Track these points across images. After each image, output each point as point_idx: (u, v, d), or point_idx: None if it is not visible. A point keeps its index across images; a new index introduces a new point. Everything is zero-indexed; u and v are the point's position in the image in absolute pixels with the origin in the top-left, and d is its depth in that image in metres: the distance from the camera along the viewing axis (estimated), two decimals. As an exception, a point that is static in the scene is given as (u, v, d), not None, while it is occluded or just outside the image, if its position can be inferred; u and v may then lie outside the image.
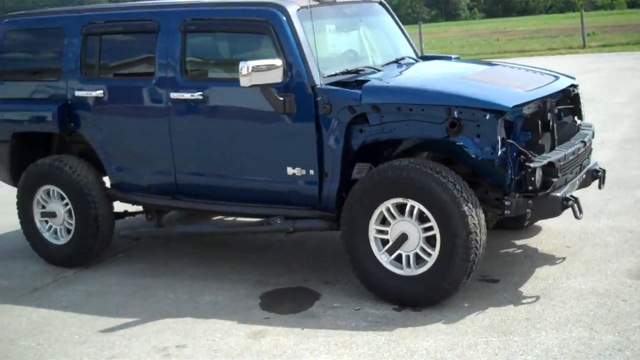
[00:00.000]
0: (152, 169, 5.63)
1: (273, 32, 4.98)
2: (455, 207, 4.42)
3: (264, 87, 4.85)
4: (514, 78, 5.18)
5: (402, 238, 4.64)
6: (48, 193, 5.97)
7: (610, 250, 5.42)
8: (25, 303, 5.33)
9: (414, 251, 4.64)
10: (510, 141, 4.51)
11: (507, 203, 4.59)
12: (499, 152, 4.47)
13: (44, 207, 6.02)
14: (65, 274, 5.88)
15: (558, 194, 4.67)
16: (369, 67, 5.31)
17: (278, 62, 4.80)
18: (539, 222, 6.12)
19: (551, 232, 5.95)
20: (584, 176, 5.20)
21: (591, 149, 5.43)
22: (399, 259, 4.70)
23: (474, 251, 4.47)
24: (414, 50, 6.21)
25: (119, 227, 6.12)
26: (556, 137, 5.07)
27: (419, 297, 4.65)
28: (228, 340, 4.43)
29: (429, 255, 4.59)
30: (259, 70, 4.69)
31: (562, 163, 4.69)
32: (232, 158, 5.30)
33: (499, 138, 4.47)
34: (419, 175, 4.51)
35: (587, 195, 6.02)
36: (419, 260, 4.65)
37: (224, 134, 5.27)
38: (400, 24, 6.26)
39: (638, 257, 5.21)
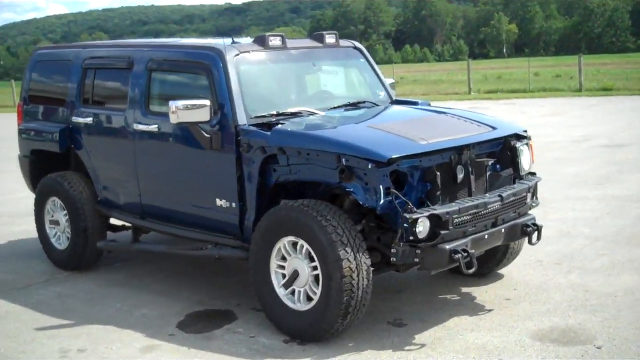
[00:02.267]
0: (125, 190, 6.26)
1: (209, 73, 5.43)
2: (331, 250, 4.59)
3: (192, 125, 5.30)
4: (429, 128, 5.19)
5: (295, 274, 4.88)
6: (54, 203, 6.78)
7: (542, 308, 5.28)
8: (6, 296, 6.11)
9: (304, 288, 4.86)
10: (394, 191, 4.62)
11: (393, 250, 4.70)
12: (381, 201, 4.59)
13: (52, 215, 6.84)
14: (59, 276, 6.64)
15: (446, 247, 4.70)
16: (307, 111, 5.57)
17: (206, 102, 5.22)
18: (503, 270, 6.10)
19: (506, 282, 5.88)
20: (504, 230, 5.11)
21: (525, 202, 5.32)
22: (294, 293, 4.95)
23: (348, 294, 4.60)
24: (388, 94, 6.37)
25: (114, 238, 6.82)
26: (472, 189, 5.06)
27: (304, 332, 4.86)
28: (121, 351, 4.88)
29: (315, 293, 4.80)
30: (186, 109, 5.15)
31: (452, 216, 4.70)
32: (177, 186, 5.80)
33: (381, 187, 4.59)
34: (303, 217, 4.74)
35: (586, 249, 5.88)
36: (308, 297, 4.87)
37: (171, 164, 5.78)
38: (375, 67, 6.45)
39: (562, 318, 5.05)
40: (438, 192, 4.83)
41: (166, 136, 5.72)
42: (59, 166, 6.97)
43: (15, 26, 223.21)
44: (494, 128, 5.39)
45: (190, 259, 6.61)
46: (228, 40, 5.78)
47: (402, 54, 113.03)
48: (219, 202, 5.44)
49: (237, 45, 5.58)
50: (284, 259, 4.95)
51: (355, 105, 5.95)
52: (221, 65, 5.37)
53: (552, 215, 8.00)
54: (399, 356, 4.61)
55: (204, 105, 5.19)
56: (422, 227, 4.60)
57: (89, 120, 6.40)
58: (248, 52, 5.57)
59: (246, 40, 5.90)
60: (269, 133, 5.07)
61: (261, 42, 5.68)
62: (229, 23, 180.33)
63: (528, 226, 5.25)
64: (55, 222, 6.80)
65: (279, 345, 4.86)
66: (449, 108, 6.04)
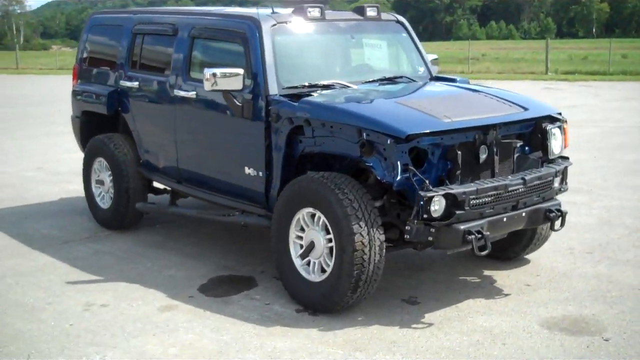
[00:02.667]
0: (165, 154, 6.47)
1: (245, 43, 5.53)
2: (346, 224, 4.67)
3: (225, 93, 5.43)
4: (457, 106, 5.16)
5: (311, 246, 4.98)
6: (101, 164, 7.06)
7: (561, 296, 5.24)
8: (47, 250, 6.43)
9: (319, 259, 4.96)
10: (412, 168, 4.64)
11: (407, 228, 4.73)
12: (398, 177, 4.63)
13: (98, 175, 7.13)
14: (100, 234, 6.94)
15: (461, 227, 4.70)
16: (340, 83, 5.62)
17: (240, 70, 5.33)
18: (530, 256, 6.06)
19: (531, 267, 5.85)
20: (525, 214, 5.07)
21: (551, 187, 5.24)
22: (310, 264, 5.05)
23: (359, 268, 4.68)
24: (428, 70, 6.36)
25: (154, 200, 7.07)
26: (495, 169, 5.04)
27: (316, 303, 4.97)
28: (141, 308, 5.10)
29: (328, 265, 4.89)
30: (219, 77, 5.28)
31: (469, 196, 4.69)
32: (211, 153, 5.97)
33: (399, 163, 4.62)
34: (322, 189, 4.82)
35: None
36: (323, 269, 4.97)
37: (206, 131, 5.94)
38: (418, 42, 6.42)
39: (578, 308, 5.00)
40: (458, 172, 4.83)
41: (203, 103, 5.87)
42: (108, 128, 7.22)
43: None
44: (525, 109, 5.32)
45: (224, 225, 6.78)
46: (266, 11, 5.87)
47: (487, 31, 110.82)
48: (247, 170, 5.58)
49: (275, 15, 5.66)
50: (302, 229, 5.05)
51: (391, 80, 5.95)
52: (257, 34, 5.47)
53: (598, 203, 7.85)
54: (404, 333, 4.66)
55: (237, 74, 5.30)
56: (438, 206, 4.62)
57: (136, 84, 6.62)
58: (285, 22, 5.64)
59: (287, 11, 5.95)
60: (296, 104, 5.16)
61: (300, 12, 5.74)
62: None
63: (552, 211, 5.19)
64: (101, 182, 7.08)
65: (290, 314, 4.98)
66: (487, 87, 5.97)
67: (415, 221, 4.65)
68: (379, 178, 4.74)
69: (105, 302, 5.22)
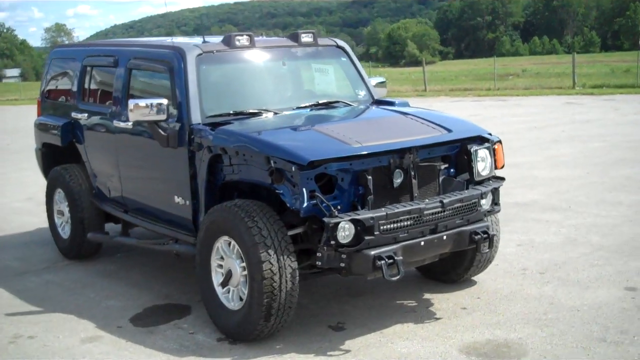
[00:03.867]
0: (112, 184, 6.50)
1: (171, 72, 5.55)
2: (254, 252, 4.60)
3: (150, 123, 5.44)
4: (374, 131, 5.08)
5: (229, 274, 4.93)
6: (60, 194, 7.14)
7: (492, 320, 5.07)
8: (1, 282, 6.51)
9: (237, 288, 4.91)
10: (319, 195, 4.57)
11: (318, 254, 4.66)
12: (305, 204, 4.55)
13: (59, 206, 7.21)
14: (60, 264, 7.00)
15: (371, 252, 4.60)
16: (267, 111, 5.57)
17: (163, 101, 5.35)
18: (479, 277, 5.91)
19: (474, 290, 5.70)
20: (447, 238, 4.93)
21: (476, 209, 5.09)
22: (229, 292, 4.99)
23: (269, 296, 4.60)
24: (370, 93, 6.29)
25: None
26: (414, 193, 4.93)
27: (234, 332, 4.89)
28: (64, 340, 5.08)
29: (244, 293, 4.83)
30: (143, 108, 5.30)
31: (378, 221, 4.59)
32: (147, 182, 6.00)
33: (304, 190, 4.55)
34: (233, 217, 4.77)
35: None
36: (240, 297, 4.89)
37: (142, 161, 5.96)
38: (359, 66, 6.36)
39: (506, 332, 4.83)
40: (370, 197, 4.74)
41: (137, 134, 5.89)
42: (68, 159, 7.29)
43: (152, 19, 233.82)
44: (449, 131, 5.21)
45: (166, 254, 6.75)
46: (199, 40, 5.89)
47: (530, 46, 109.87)
48: (176, 199, 5.57)
49: (203, 44, 5.67)
50: (222, 258, 5.00)
51: (325, 105, 5.89)
52: (182, 64, 5.48)
53: (571, 221, 7.63)
54: (313, 361, 4.57)
55: (161, 104, 5.32)
56: (345, 232, 4.53)
57: (85, 116, 6.69)
58: (212, 52, 5.64)
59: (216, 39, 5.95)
60: (214, 133, 5.14)
61: (227, 42, 5.74)
62: (355, 15, 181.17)
63: (477, 234, 5.05)
64: (61, 213, 7.15)
65: (209, 344, 4.92)
66: (420, 109, 5.87)
67: (325, 247, 4.57)
68: (288, 205, 4.67)
69: (34, 334, 5.23)
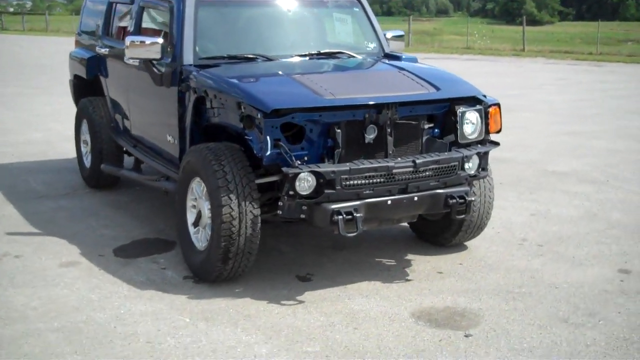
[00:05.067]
0: (124, 119, 6.65)
1: (172, 13, 5.57)
2: (216, 195, 4.61)
3: (145, 61, 5.50)
4: (354, 83, 4.94)
5: (199, 214, 4.99)
6: (85, 125, 7.36)
7: (461, 287, 4.92)
8: (17, 202, 6.80)
9: (204, 228, 4.95)
10: (281, 144, 4.51)
11: (280, 204, 4.63)
12: (268, 152, 4.51)
13: (84, 135, 7.45)
14: (80, 191, 7.26)
15: (330, 206, 4.53)
16: (263, 57, 5.51)
17: (158, 39, 5.39)
18: (471, 243, 5.76)
19: (460, 256, 5.53)
20: (419, 199, 4.79)
21: (455, 172, 4.90)
22: (199, 232, 5.05)
23: (227, 240, 4.60)
24: (381, 46, 6.12)
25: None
26: (389, 150, 4.80)
27: (197, 271, 4.95)
28: (45, 262, 5.27)
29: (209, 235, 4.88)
30: (137, 46, 5.36)
31: (340, 176, 4.49)
32: (149, 119, 6.10)
33: (268, 138, 4.50)
34: (202, 160, 4.79)
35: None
36: (207, 238, 4.94)
37: (145, 98, 6.05)
38: (372, 17, 6.18)
39: (469, 301, 4.68)
40: (338, 150, 4.66)
41: (143, 71, 5.97)
42: (95, 91, 7.45)
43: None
44: (438, 89, 5.01)
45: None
46: None
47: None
48: (168, 137, 5.63)
49: (204, -14, 5.64)
50: (196, 198, 5.05)
51: (325, 55, 5.77)
52: (181, 5, 5.49)
53: (601, 195, 7.26)
54: (265, 308, 4.54)
55: (155, 43, 5.36)
56: (304, 183, 4.48)
57: (106, 50, 6.83)
58: None
59: None
60: (200, 74, 5.14)
61: None
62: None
63: (453, 198, 4.88)
64: (85, 143, 7.38)
65: (175, 280, 5.00)
66: (419, 65, 5.69)
67: (286, 197, 4.54)
68: (255, 152, 4.63)
69: (21, 254, 5.46)
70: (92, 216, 6.46)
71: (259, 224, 4.69)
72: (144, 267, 5.25)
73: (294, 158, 4.47)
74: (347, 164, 4.59)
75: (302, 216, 4.60)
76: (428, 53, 28.53)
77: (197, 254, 4.96)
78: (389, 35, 6.31)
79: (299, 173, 4.44)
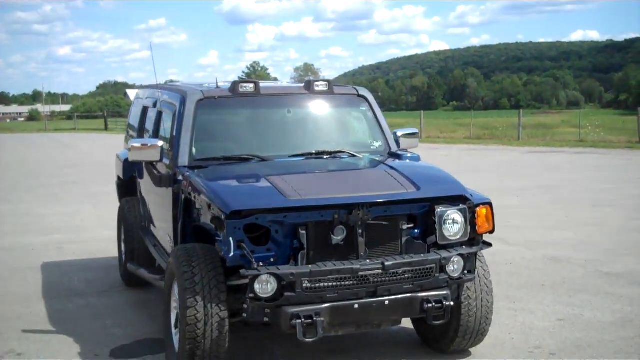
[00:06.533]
0: (147, 219, 6.87)
1: (174, 115, 5.79)
2: (182, 297, 4.61)
3: (147, 163, 5.71)
4: (326, 183, 4.86)
5: (177, 316, 4.99)
6: (122, 225, 7.65)
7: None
8: (51, 300, 7.08)
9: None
10: (244, 245, 4.47)
11: (245, 306, 4.56)
12: (231, 253, 4.47)
13: (122, 235, 7.71)
14: (115, 289, 7.50)
15: (289, 310, 4.42)
16: (257, 157, 5.55)
17: (158, 142, 5.59)
18: (474, 350, 5.44)
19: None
20: (390, 303, 4.55)
21: (431, 274, 4.66)
22: (178, 334, 5.04)
23: (192, 343, 4.52)
24: (387, 144, 6.05)
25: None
26: (360, 252, 4.65)
27: (173, 371, 4.95)
28: (42, 360, 5.48)
29: (178, 334, 4.85)
30: (138, 149, 5.58)
31: (300, 278, 4.39)
32: (156, 220, 6.27)
33: (231, 239, 4.47)
34: (175, 261, 4.83)
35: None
36: (186, 338, 4.91)
37: (153, 199, 6.27)
38: (379, 116, 6.13)
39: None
40: (303, 252, 4.58)
41: (148, 174, 6.19)
42: (133, 192, 7.62)
43: (398, 61, 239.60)
44: (418, 189, 4.87)
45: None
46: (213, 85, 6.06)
47: None
48: (167, 236, 5.76)
49: (205, 90, 5.83)
50: (176, 300, 5.07)
51: (323, 154, 5.73)
52: (182, 108, 5.69)
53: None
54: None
55: (155, 146, 5.56)
56: (265, 286, 4.41)
57: None
58: (214, 97, 5.77)
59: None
60: (186, 176, 5.26)
61: (232, 88, 5.84)
62: (607, 60, 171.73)
63: (429, 302, 4.64)
64: (124, 241, 7.66)
65: (153, 381, 5.01)
66: (420, 164, 5.59)
67: (249, 300, 4.48)
68: (222, 254, 4.62)
69: (24, 352, 5.62)
70: (111, 315, 6.59)
71: (227, 327, 4.61)
72: (121, 362, 5.27)
73: (253, 260, 4.42)
74: (309, 266, 4.49)
75: (266, 319, 4.51)
76: (536, 147, 27.93)
77: (174, 356, 4.94)
78: (400, 133, 6.23)
79: (257, 275, 4.38)
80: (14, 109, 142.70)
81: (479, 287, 5.15)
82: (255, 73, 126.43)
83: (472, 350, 5.44)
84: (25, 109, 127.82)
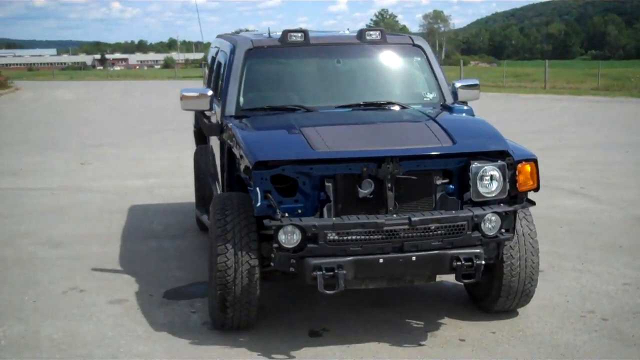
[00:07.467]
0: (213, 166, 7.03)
1: (225, 64, 5.84)
2: (214, 244, 4.71)
3: (199, 112, 5.80)
4: (359, 136, 4.75)
5: (218, 261, 5.11)
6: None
7: (476, 358, 4.53)
8: (127, 241, 7.43)
9: (220, 275, 5.06)
10: (270, 196, 4.50)
11: (272, 255, 4.61)
12: (258, 203, 4.52)
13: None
14: (188, 233, 7.76)
15: (311, 261, 4.42)
16: (303, 108, 5.50)
17: (208, 92, 5.67)
18: (522, 310, 5.28)
19: (499, 324, 5.06)
20: (417, 259, 4.44)
21: (462, 232, 4.49)
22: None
23: (222, 289, 4.64)
24: (442, 96, 5.85)
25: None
26: (389, 205, 4.57)
27: (210, 317, 5.07)
28: (97, 298, 5.68)
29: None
30: (189, 98, 5.69)
31: (323, 230, 4.37)
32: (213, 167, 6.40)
33: (258, 189, 4.52)
34: (212, 209, 4.93)
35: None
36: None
37: (214, 148, 6.37)
38: (435, 67, 5.92)
39: None
40: (329, 204, 4.56)
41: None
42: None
43: (534, 7, 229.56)
44: (454, 143, 4.70)
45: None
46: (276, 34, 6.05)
47: None
48: (217, 186, 5.87)
49: (257, 39, 5.83)
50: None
51: (370, 106, 5.62)
52: (232, 57, 5.73)
53: None
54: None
55: (205, 95, 5.64)
56: (289, 236, 4.42)
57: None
58: (263, 46, 5.77)
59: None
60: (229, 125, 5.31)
61: (282, 38, 5.81)
62: None
63: (458, 260, 4.50)
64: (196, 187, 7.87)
65: (193, 324, 5.13)
66: (463, 117, 5.36)
67: (275, 250, 4.52)
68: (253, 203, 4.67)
69: (86, 289, 5.94)
70: (178, 258, 6.84)
71: (257, 275, 4.68)
72: (177, 309, 5.46)
73: (278, 211, 4.44)
74: (333, 218, 4.46)
75: (292, 269, 4.54)
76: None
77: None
78: (459, 84, 6.00)
79: (281, 226, 4.40)
80: (151, 56, 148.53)
81: (522, 246, 4.95)
82: (384, 21, 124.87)
83: (519, 310, 5.26)
84: (161, 56, 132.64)
